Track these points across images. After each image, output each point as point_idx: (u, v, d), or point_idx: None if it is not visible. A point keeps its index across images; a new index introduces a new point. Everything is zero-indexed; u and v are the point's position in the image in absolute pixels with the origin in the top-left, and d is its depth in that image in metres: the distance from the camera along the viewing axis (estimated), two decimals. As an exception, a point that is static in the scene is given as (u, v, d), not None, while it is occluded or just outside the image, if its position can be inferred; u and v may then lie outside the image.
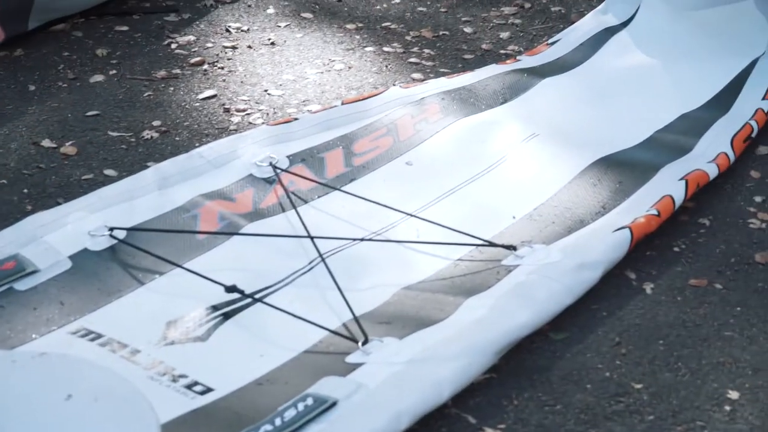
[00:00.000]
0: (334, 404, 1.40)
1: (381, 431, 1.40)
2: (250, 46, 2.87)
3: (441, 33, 2.83)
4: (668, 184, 2.05)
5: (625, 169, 2.15)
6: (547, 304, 1.65)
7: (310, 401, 1.41)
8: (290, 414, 1.39)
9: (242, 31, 2.94)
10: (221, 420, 1.46)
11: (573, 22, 2.77)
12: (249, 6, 3.11)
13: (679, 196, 1.97)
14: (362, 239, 1.88)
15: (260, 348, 1.63)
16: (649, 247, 1.95)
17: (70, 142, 2.40)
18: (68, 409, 1.47)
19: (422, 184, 2.10)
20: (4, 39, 2.87)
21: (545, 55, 2.57)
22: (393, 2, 3.10)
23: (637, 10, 2.67)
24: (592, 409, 1.61)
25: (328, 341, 1.62)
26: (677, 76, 2.50)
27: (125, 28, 3.04)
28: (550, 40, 2.63)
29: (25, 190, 2.24)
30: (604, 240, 1.80)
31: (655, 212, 1.92)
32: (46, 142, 2.41)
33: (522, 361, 1.63)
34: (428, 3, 3.06)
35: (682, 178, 2.03)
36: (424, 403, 1.43)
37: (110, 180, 2.22)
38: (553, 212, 1.99)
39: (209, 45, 2.89)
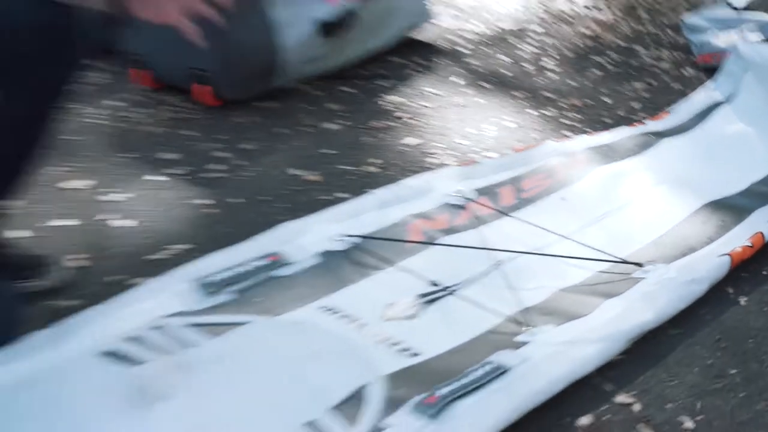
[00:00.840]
0: (507, 370, 1.60)
1: (541, 392, 1.59)
2: (442, 106, 3.10)
3: (586, 102, 3.07)
4: (760, 224, 2.27)
5: (727, 211, 2.31)
6: (666, 307, 1.86)
7: (488, 367, 1.62)
8: (475, 375, 1.59)
9: (436, 95, 3.21)
10: (425, 375, 1.65)
11: (687, 96, 2.96)
12: (442, 76, 3.38)
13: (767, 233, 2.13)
14: (528, 252, 2.06)
15: (453, 326, 1.84)
16: (744, 270, 2.16)
17: (313, 172, 2.69)
18: (315, 361, 1.74)
19: (573, 214, 2.27)
20: (264, 92, 3.16)
21: (666, 121, 2.79)
22: (550, 77, 3.35)
23: (738, 89, 2.87)
24: (698, 386, 1.88)
25: (504, 325, 1.82)
26: (768, 141, 2.46)
27: (351, 89, 3.34)
28: (670, 109, 2.84)
29: (284, 205, 2.51)
30: (710, 263, 1.98)
31: (749, 244, 2.13)
32: (297, 172, 2.69)
33: (647, 348, 1.86)
34: (577, 78, 3.31)
35: (771, 219, 2.04)
36: (574, 373, 1.64)
37: (343, 200, 2.43)
38: (671, 240, 2.16)
39: (412, 104, 3.15)
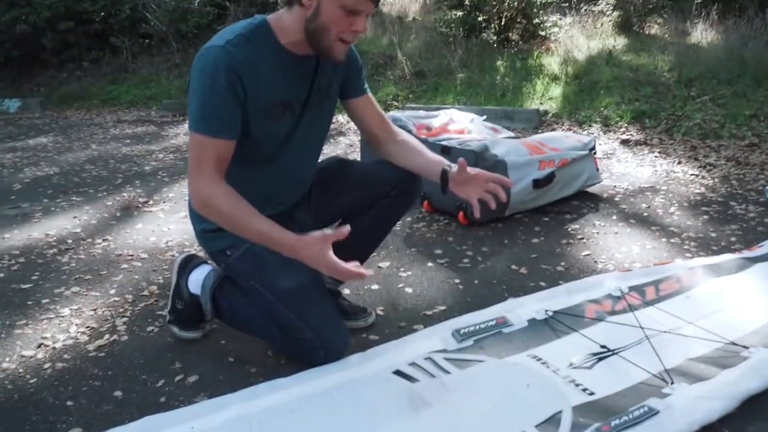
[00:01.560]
0: (657, 413, 1.47)
1: (681, 431, 1.43)
2: (605, 233, 3.01)
3: (700, 236, 2.88)
4: None
5: None
6: (767, 378, 1.62)
7: (644, 409, 1.48)
8: (635, 413, 1.47)
9: (601, 225, 3.11)
10: (600, 409, 1.52)
11: None
12: (604, 215, 3.29)
13: None
14: (666, 332, 1.90)
15: (617, 377, 1.68)
16: None
17: (524, 267, 2.54)
18: (527, 390, 1.64)
19: (695, 308, 1.99)
20: (497, 218, 3.12)
21: (757, 251, 2.58)
22: (674, 219, 3.19)
23: None
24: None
25: (652, 379, 1.65)
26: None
27: (548, 219, 3.23)
28: (760, 245, 2.65)
29: (505, 287, 2.39)
30: None
31: None
32: (514, 266, 2.57)
33: (755, 406, 1.56)
34: (692, 221, 3.12)
35: None
36: (704, 420, 1.47)
37: (542, 288, 2.33)
38: (766, 331, 1.93)
39: (586, 231, 3.05)
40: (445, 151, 3.15)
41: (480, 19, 7.83)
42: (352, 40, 1.51)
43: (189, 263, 1.99)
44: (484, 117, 4.20)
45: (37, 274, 2.55)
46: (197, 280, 1.95)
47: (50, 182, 4.31)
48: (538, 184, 3.05)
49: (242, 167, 1.60)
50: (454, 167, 1.67)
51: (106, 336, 2.09)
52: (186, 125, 6.51)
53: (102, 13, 9.24)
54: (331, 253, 1.47)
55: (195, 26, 9.21)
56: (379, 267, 2.49)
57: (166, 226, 3.27)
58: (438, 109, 5.10)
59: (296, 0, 1.49)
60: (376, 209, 1.86)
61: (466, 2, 7.87)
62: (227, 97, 1.48)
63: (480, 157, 2.90)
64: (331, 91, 1.72)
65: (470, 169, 1.66)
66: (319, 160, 1.86)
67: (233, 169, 1.56)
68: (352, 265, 1.47)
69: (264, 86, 1.54)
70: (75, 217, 3.46)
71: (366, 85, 1.80)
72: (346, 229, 1.45)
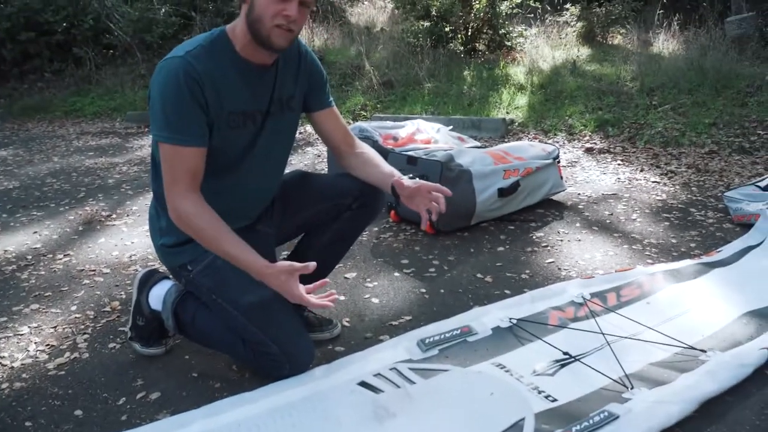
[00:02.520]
0: (617, 417, 1.50)
1: None
2: (568, 240, 2.99)
3: (660, 242, 2.94)
4: None
5: (762, 318, 2.08)
6: (723, 382, 1.68)
7: (605, 414, 1.51)
8: (596, 418, 1.50)
9: (565, 233, 3.13)
10: (562, 415, 1.55)
11: (729, 242, 2.83)
12: (568, 222, 3.30)
13: None
14: (626, 337, 1.93)
15: (579, 383, 1.71)
16: None
17: (489, 276, 2.59)
18: (491, 398, 1.66)
19: (655, 314, 2.10)
20: (463, 227, 3.14)
21: (715, 256, 2.62)
22: (636, 225, 3.24)
23: (765, 239, 2.73)
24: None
25: (612, 385, 1.69)
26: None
27: (513, 228, 3.24)
28: (717, 250, 2.69)
29: (470, 296, 2.40)
30: (754, 353, 1.80)
31: None
32: (479, 275, 2.59)
33: (712, 409, 1.65)
34: (654, 227, 3.18)
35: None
36: (662, 424, 1.51)
37: (507, 295, 2.34)
38: (724, 335, 1.97)
39: (550, 238, 3.06)
40: (411, 161, 3.16)
41: (447, 29, 7.86)
42: (286, 25, 1.51)
43: (150, 279, 1.97)
44: (450, 127, 4.24)
45: (-6, 291, 2.48)
46: (158, 295, 1.93)
47: (9, 196, 4.23)
48: (503, 192, 3.07)
49: (206, 179, 1.59)
50: (404, 180, 1.66)
51: (67, 354, 2.05)
52: (151, 136, 6.35)
53: (64, 24, 9.08)
54: (296, 284, 1.52)
55: (160, 36, 9.13)
56: (345, 277, 2.49)
57: (129, 240, 3.23)
58: (406, 119, 5.16)
59: None
60: (339, 222, 1.87)
61: (433, 13, 7.91)
62: (192, 106, 1.50)
63: (445, 167, 2.92)
64: (293, 103, 1.73)
65: (410, 182, 1.66)
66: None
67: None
68: (318, 296, 1.55)
69: (225, 96, 1.55)
70: (35, 232, 3.40)
71: (330, 99, 1.81)
72: (312, 264, 1.51)
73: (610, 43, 8.41)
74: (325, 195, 1.86)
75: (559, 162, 3.57)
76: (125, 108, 8.27)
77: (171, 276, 1.86)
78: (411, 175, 1.77)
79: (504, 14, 7.94)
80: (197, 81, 1.49)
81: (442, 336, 1.90)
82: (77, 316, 2.34)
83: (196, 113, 1.51)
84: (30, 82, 9.50)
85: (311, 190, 1.89)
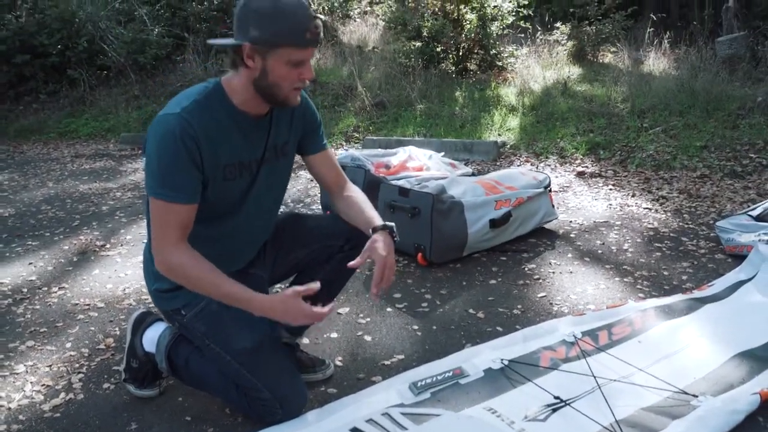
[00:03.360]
0: None
1: None
2: (560, 272, 3.04)
3: (652, 273, 2.93)
4: None
5: (754, 360, 2.06)
6: (715, 428, 1.68)
7: None
8: None
9: (557, 264, 3.15)
10: None
11: (722, 275, 2.83)
12: (560, 252, 3.32)
13: None
14: (617, 380, 1.93)
15: (569, 430, 1.73)
16: None
17: (481, 311, 2.58)
18: None
19: (646, 353, 2.10)
20: (455, 258, 3.17)
21: (707, 291, 2.62)
22: (628, 255, 3.23)
23: (757, 273, 2.71)
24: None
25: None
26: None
27: (505, 258, 3.24)
28: (709, 284, 2.69)
29: (462, 333, 2.41)
30: (746, 399, 1.78)
31: None
32: (471, 310, 2.59)
33: None
34: (645, 257, 3.17)
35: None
36: None
37: (499, 332, 2.33)
38: (715, 377, 1.91)
39: (542, 270, 3.07)
40: (403, 193, 3.19)
41: (438, 49, 7.87)
42: (305, 86, 1.58)
43: (143, 321, 1.99)
44: (442, 153, 4.26)
45: (-10, 327, 2.46)
46: (152, 338, 1.95)
47: (5, 225, 4.23)
48: (494, 223, 3.08)
49: (200, 226, 1.61)
50: (378, 244, 1.65)
51: (62, 395, 2.05)
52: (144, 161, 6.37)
53: (59, 46, 9.15)
54: (303, 303, 1.54)
55: (153, 57, 9.18)
56: (338, 313, 2.49)
57: (123, 272, 3.23)
58: (398, 141, 5.28)
59: (240, 63, 1.53)
60: (331, 263, 1.88)
61: (425, 33, 7.94)
62: (187, 164, 1.51)
63: (437, 199, 2.92)
64: (287, 148, 1.76)
65: (380, 250, 1.67)
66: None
67: (193, 228, 1.57)
68: (323, 308, 1.58)
69: (221, 149, 1.58)
70: (30, 263, 3.41)
71: (324, 141, 1.84)
72: (316, 285, 1.53)
73: (600, 61, 8.46)
74: (316, 237, 1.88)
75: (550, 190, 3.59)
76: (119, 129, 8.31)
77: (164, 318, 1.85)
78: (393, 227, 1.76)
79: (495, 35, 7.97)
80: (194, 138, 1.51)
81: (434, 379, 1.90)
82: (72, 353, 2.34)
83: (190, 171, 1.53)
84: (25, 103, 9.56)
85: (303, 231, 1.91)
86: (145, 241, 1.84)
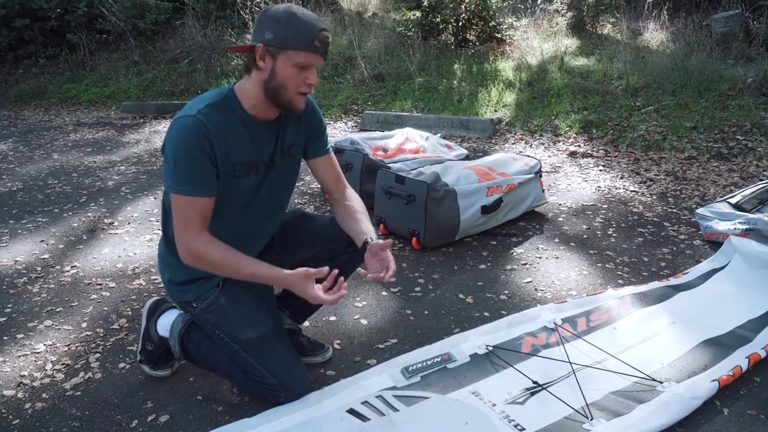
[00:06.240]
0: None
1: None
2: (546, 258, 3.08)
3: (633, 260, 2.97)
4: (739, 359, 2.05)
5: (718, 347, 2.09)
6: (675, 414, 1.74)
7: None
8: None
9: (544, 249, 3.17)
10: None
11: (698, 262, 2.90)
12: (547, 236, 3.35)
13: (744, 366, 1.99)
14: (591, 366, 1.97)
15: (545, 412, 1.77)
16: (727, 389, 1.95)
17: (470, 296, 2.64)
18: (465, 427, 1.70)
19: (620, 340, 2.16)
20: (448, 243, 3.21)
21: (682, 279, 2.67)
22: (611, 240, 3.27)
23: (729, 262, 2.77)
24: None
25: (574, 415, 1.74)
26: (749, 298, 2.47)
27: (495, 243, 3.30)
28: (685, 272, 2.74)
29: (451, 317, 2.42)
30: (705, 385, 1.83)
31: (731, 374, 1.95)
32: (461, 295, 2.63)
33: None
34: (628, 243, 3.20)
35: (747, 357, 2.04)
36: None
37: (486, 318, 2.41)
38: (680, 364, 2.01)
39: (530, 255, 3.12)
40: (400, 180, 3.28)
41: (438, 20, 7.80)
42: (309, 91, 1.66)
43: (157, 308, 2.12)
44: (439, 135, 4.34)
45: (9, 306, 2.57)
46: (166, 324, 2.07)
47: (15, 200, 4.27)
48: (486, 209, 3.15)
49: (212, 221, 1.69)
50: (374, 241, 1.75)
51: (81, 374, 2.10)
52: (147, 129, 6.54)
53: (58, 10, 9.04)
54: (314, 286, 1.64)
55: (153, 22, 9.11)
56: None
57: (131, 251, 3.31)
58: (397, 117, 5.38)
59: (253, 64, 1.63)
60: (335, 263, 1.89)
61: (424, 3, 7.86)
62: (203, 160, 1.62)
63: (431, 187, 3.01)
64: (294, 150, 1.84)
65: (369, 253, 1.76)
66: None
67: None
68: (331, 293, 1.66)
69: (231, 148, 1.66)
70: (42, 240, 3.47)
71: (328, 146, 1.91)
72: (325, 269, 1.63)
73: (599, 32, 8.35)
74: (321, 237, 1.95)
75: (541, 176, 3.66)
76: (119, 96, 8.23)
77: (177, 306, 1.95)
78: (382, 238, 1.83)
79: (494, 6, 7.89)
80: (207, 137, 1.60)
81: (424, 363, 1.96)
82: (88, 333, 2.42)
83: (207, 167, 1.62)
84: (25, 67, 9.47)
85: (309, 231, 1.97)
86: (157, 231, 1.90)
